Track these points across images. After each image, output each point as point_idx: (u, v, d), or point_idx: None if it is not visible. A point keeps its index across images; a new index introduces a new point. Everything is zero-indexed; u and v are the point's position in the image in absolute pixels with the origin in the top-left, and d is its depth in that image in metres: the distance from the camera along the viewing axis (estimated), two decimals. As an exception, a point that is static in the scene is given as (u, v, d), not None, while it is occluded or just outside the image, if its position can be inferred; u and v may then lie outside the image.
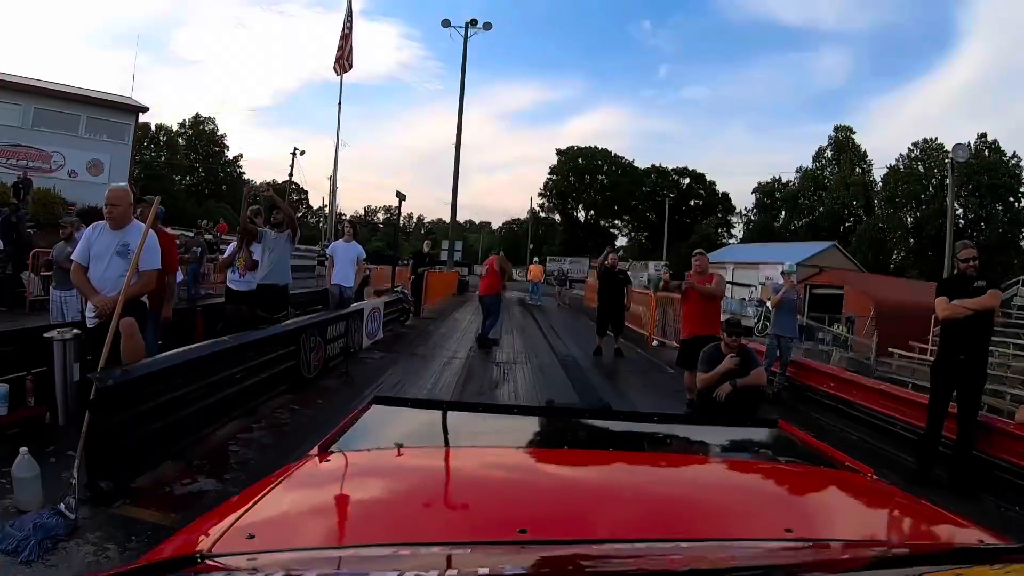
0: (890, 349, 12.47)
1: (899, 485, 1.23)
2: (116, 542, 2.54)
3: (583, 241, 53.63)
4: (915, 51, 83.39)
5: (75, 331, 3.96)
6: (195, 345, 3.91)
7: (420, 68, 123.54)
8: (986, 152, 55.14)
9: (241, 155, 61.67)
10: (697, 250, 5.91)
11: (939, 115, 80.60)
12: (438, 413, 1.71)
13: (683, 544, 0.82)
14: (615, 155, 62.06)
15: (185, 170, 57.39)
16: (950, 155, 17.18)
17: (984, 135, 55.65)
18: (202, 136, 59.85)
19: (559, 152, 62.42)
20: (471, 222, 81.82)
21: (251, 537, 0.80)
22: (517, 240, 59.20)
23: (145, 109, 22.17)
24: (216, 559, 0.72)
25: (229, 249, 5.80)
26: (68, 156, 20.57)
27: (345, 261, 7.38)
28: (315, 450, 1.22)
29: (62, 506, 2.68)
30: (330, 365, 5.99)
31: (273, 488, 1.01)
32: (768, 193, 63.99)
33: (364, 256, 7.84)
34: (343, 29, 10.09)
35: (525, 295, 19.04)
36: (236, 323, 5.11)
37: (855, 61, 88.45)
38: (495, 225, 78.98)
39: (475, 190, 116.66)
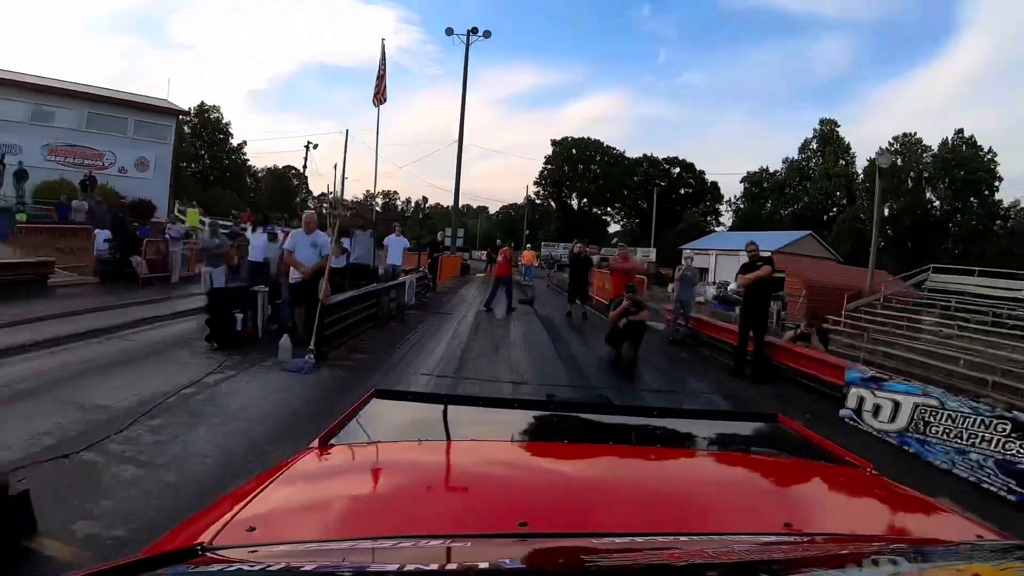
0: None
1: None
2: (340, 370, 6.02)
3: (577, 227, 56.76)
4: (914, 42, 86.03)
5: (266, 288, 7.38)
6: (345, 294, 7.38)
7: (419, 52, 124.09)
8: (963, 147, 57.82)
9: (245, 142, 64.13)
10: (620, 242, 9.41)
11: (938, 105, 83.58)
12: (438, 406, 1.71)
13: (682, 538, 0.84)
14: (607, 146, 65.01)
15: (191, 158, 59.84)
16: (876, 160, 20.60)
17: (961, 131, 58.38)
18: (207, 124, 63.00)
19: (554, 143, 65.37)
20: (468, 207, 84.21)
21: (252, 529, 0.83)
22: (514, 225, 62.21)
23: (186, 112, 25.30)
24: (217, 551, 0.73)
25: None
26: (118, 155, 23.62)
27: (396, 249, 10.87)
28: (315, 443, 1.26)
29: (305, 359, 6.14)
30: (392, 315, 9.47)
31: (273, 481, 1.03)
32: (756, 182, 66.64)
33: (408, 246, 11.32)
34: (379, 69, 13.25)
35: (520, 276, 22.41)
36: (338, 289, 8.55)
37: (854, 50, 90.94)
38: (493, 210, 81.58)
39: (473, 175, 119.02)
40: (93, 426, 3.80)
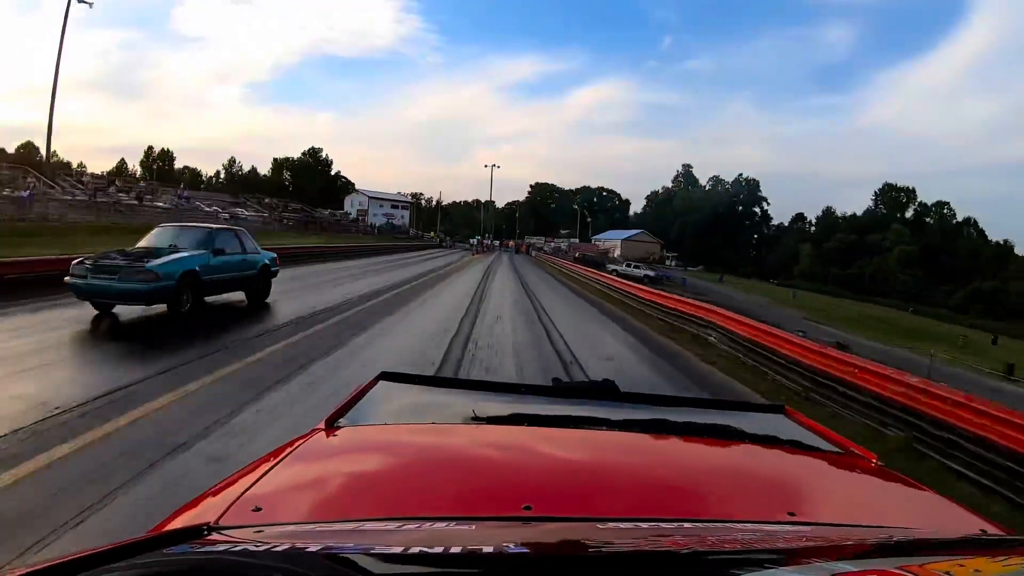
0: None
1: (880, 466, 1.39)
2: (490, 254, 74.69)
3: (544, 228, 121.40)
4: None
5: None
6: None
7: (420, 41, 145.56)
8: (745, 184, 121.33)
9: (339, 172, 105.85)
10: (525, 237, 77.27)
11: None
12: (444, 389, 1.87)
13: (686, 524, 0.88)
14: (558, 185, 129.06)
15: (301, 189, 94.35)
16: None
17: (741, 174, 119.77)
18: (318, 161, 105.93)
19: (531, 186, 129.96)
20: (478, 201, 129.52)
21: (257, 510, 0.89)
22: (512, 219, 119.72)
23: (418, 195, 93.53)
24: (223, 531, 0.78)
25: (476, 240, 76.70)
26: (401, 217, 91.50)
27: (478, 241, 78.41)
28: (322, 424, 1.35)
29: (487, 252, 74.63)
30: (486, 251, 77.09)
31: (280, 461, 1.12)
32: (651, 199, 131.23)
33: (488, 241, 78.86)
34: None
35: (508, 249, 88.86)
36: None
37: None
38: (500, 203, 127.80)
39: (480, 162, 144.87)
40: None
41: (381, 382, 1.77)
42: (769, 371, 9.44)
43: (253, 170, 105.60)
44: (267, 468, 1.08)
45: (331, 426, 1.35)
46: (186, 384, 6.02)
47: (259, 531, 0.78)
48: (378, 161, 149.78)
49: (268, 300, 12.69)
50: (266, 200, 66.42)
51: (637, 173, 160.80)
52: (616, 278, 27.17)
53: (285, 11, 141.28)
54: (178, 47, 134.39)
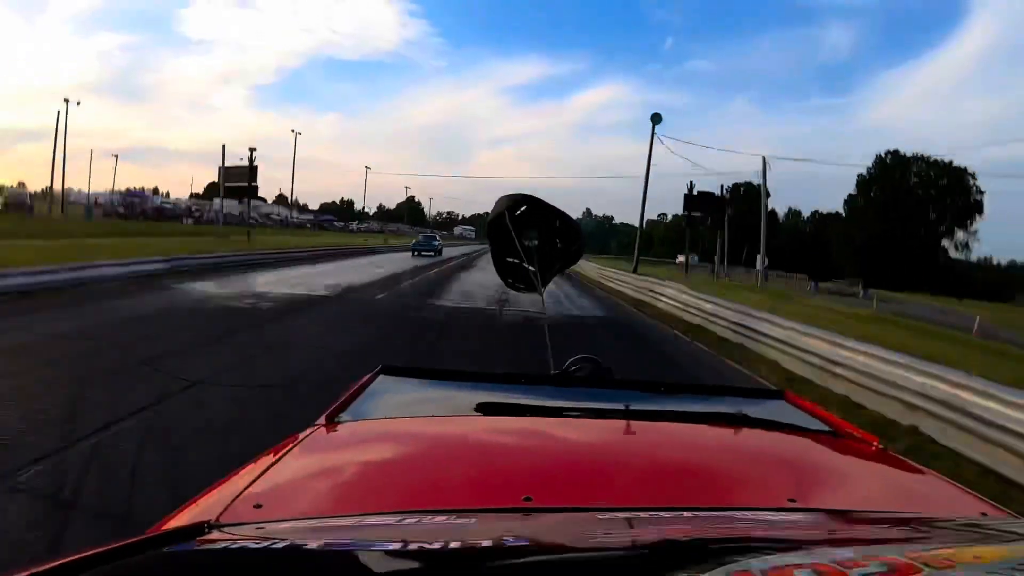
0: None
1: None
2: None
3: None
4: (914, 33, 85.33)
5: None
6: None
7: (425, 44, 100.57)
8: (604, 217, 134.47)
9: (423, 207, 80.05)
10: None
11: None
12: (444, 382, 1.28)
13: (686, 513, 0.59)
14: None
15: (401, 218, 74.12)
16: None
17: (604, 214, 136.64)
18: (414, 202, 78.01)
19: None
20: (487, 213, 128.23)
21: (258, 506, 0.61)
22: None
23: (452, 212, 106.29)
24: (223, 529, 0.52)
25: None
26: (473, 232, 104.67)
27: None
28: (322, 419, 0.91)
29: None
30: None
31: (280, 458, 0.76)
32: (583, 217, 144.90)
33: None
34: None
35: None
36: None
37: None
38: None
39: (482, 163, 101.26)
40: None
41: (381, 376, 1.19)
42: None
43: (390, 209, 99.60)
44: (268, 465, 0.72)
45: (331, 421, 0.89)
46: (450, 262, 21.30)
47: (260, 528, 0.52)
48: (382, 165, 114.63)
49: (443, 254, 26.19)
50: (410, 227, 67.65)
51: (626, 168, 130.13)
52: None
53: (289, 14, 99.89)
54: (182, 51, 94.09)
